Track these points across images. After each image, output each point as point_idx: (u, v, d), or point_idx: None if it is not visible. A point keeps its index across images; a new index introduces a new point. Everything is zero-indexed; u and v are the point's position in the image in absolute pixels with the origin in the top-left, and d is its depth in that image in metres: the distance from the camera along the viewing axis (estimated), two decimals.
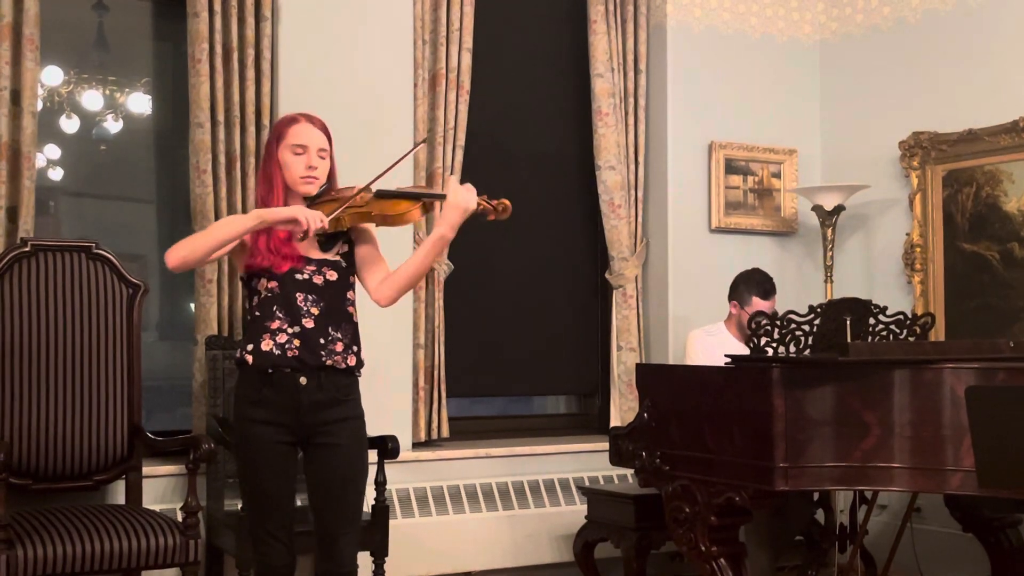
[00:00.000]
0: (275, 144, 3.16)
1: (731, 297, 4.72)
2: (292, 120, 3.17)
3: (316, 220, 2.99)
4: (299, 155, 3.12)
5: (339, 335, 3.11)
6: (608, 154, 5.19)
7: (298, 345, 3.06)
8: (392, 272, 3.17)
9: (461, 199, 3.05)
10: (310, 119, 3.17)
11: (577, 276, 5.47)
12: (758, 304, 4.58)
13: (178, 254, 3.00)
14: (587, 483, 4.88)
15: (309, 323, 3.07)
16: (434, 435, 4.80)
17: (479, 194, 3.11)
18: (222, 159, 4.29)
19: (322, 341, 3.08)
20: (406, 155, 3.33)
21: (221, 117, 4.29)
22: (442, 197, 3.11)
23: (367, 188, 3.10)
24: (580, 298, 5.48)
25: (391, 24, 4.68)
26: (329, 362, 3.08)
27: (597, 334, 5.47)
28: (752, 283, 4.66)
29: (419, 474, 4.68)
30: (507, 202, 3.12)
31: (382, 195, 3.11)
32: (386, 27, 4.66)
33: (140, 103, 4.62)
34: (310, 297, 3.09)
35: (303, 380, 3.06)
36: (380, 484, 4.00)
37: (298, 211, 3.01)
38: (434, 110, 4.82)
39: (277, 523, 3.13)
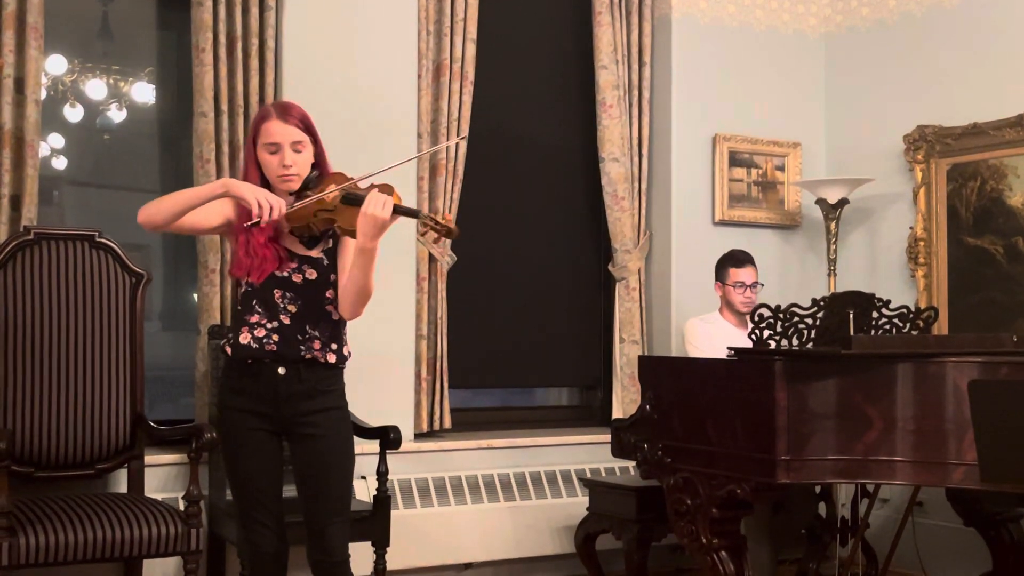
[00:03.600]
0: (252, 144, 3.12)
1: (715, 282, 4.79)
2: (263, 117, 3.12)
3: (276, 211, 2.95)
4: (273, 154, 3.08)
5: (316, 333, 3.10)
6: (612, 146, 5.18)
7: (276, 340, 3.07)
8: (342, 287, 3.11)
9: (371, 209, 2.89)
10: (282, 113, 3.10)
11: (580, 268, 5.46)
12: (735, 274, 4.70)
13: (146, 212, 3.04)
14: (589, 475, 4.88)
15: (286, 319, 3.08)
16: (436, 426, 4.81)
17: (438, 214, 2.98)
18: (225, 148, 4.29)
19: (300, 337, 3.08)
20: (415, 156, 3.24)
21: (225, 106, 4.28)
22: (417, 213, 3.00)
23: (338, 189, 3.00)
24: (583, 290, 5.47)
25: (395, 14, 4.67)
26: (308, 356, 3.08)
27: (600, 326, 5.47)
28: (724, 259, 4.78)
29: (421, 465, 4.68)
30: (452, 224, 2.94)
31: (349, 200, 2.98)
32: (390, 17, 4.65)
33: (144, 92, 4.62)
34: (288, 295, 3.08)
35: (282, 370, 3.07)
36: (382, 474, 4.00)
37: (261, 195, 2.96)
38: (438, 101, 4.81)
39: (263, 510, 3.15)
